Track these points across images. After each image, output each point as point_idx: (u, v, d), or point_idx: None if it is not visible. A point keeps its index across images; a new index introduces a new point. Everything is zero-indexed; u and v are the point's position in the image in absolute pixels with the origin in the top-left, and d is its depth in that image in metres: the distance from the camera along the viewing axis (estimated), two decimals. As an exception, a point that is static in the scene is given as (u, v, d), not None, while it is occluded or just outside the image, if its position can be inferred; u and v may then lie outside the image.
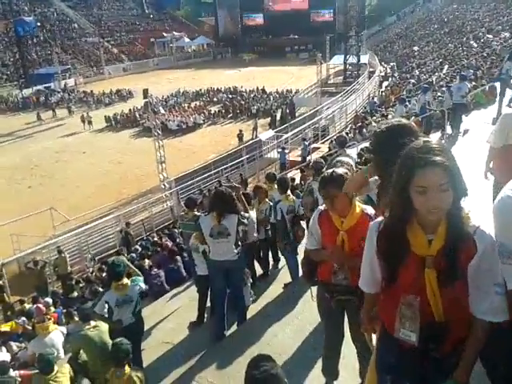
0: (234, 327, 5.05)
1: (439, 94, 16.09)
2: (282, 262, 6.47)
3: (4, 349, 7.14)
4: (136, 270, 5.09)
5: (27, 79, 41.45)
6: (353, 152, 11.04)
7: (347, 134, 18.18)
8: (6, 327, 8.38)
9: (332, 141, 18.12)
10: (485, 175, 3.90)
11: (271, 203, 6.03)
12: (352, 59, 35.81)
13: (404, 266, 1.73)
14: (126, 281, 4.54)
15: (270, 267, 6.55)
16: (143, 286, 4.71)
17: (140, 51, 57.89)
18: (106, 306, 4.51)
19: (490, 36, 28.65)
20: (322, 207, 2.89)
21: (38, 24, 51.20)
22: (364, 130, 17.34)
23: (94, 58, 52.01)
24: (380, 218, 1.90)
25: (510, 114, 3.72)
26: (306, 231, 5.41)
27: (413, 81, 25.30)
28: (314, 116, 23.54)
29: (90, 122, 29.01)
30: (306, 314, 4.63)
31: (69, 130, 28.78)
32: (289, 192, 5.75)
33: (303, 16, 56.92)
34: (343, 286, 2.85)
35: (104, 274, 9.96)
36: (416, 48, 40.29)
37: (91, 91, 38.81)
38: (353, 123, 21.84)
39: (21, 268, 12.48)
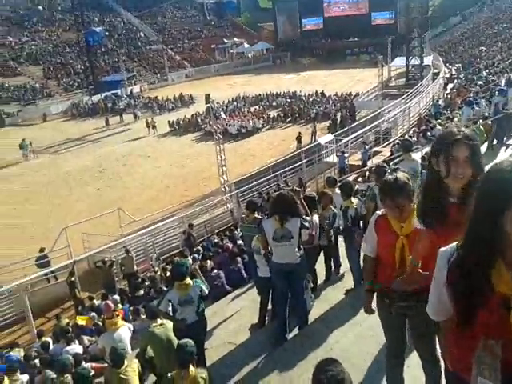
0: (295, 331, 5.06)
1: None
2: (344, 267, 6.43)
3: (77, 341, 7.57)
4: (202, 277, 5.24)
5: (96, 86, 43.71)
6: (417, 156, 10.72)
7: (410, 137, 17.71)
8: (81, 321, 8.87)
9: (394, 144, 17.69)
10: None
11: (334, 209, 6.04)
12: (415, 61, 34.83)
13: (484, 306, 1.49)
14: (188, 281, 4.70)
15: (332, 273, 6.54)
16: (206, 290, 4.79)
17: (201, 58, 59.34)
18: (170, 304, 4.70)
19: None
20: (379, 212, 2.87)
21: (107, 33, 53.99)
22: (428, 133, 16.77)
23: (158, 65, 53.94)
24: (451, 245, 1.64)
25: None
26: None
27: (480, 82, 24.18)
28: (376, 119, 23.07)
29: (154, 127, 30.09)
30: (370, 320, 4.57)
31: (135, 134, 30.03)
32: (352, 197, 5.76)
33: (363, 19, 56.05)
34: (403, 292, 2.72)
35: (168, 274, 10.32)
36: (483, 48, 38.50)
37: (155, 97, 40.26)
38: (416, 126, 21.20)
39: (90, 266, 13.16)
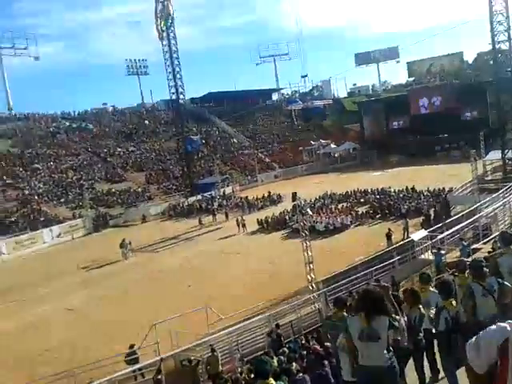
0: None
1: None
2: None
3: None
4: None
5: (192, 189, 46.82)
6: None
7: (513, 232, 16.40)
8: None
9: (495, 241, 16.42)
10: None
11: (423, 309, 5.60)
12: (511, 154, 33.33)
13: None
14: (272, 381, 4.46)
15: (428, 379, 5.86)
16: None
17: (289, 159, 61.81)
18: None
19: None
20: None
21: (203, 141, 58.80)
22: (534, 228, 15.45)
23: (249, 167, 56.92)
24: None
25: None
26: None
27: None
28: (473, 214, 21.84)
29: (243, 225, 30.98)
30: None
31: (225, 232, 31.06)
32: (452, 298, 5.33)
33: (452, 114, 55.64)
34: None
35: (253, 375, 9.91)
36: None
37: (246, 197, 41.98)
38: (519, 221, 19.68)
39: (177, 364, 13.09)
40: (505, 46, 33.31)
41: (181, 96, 48.71)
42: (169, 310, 16.98)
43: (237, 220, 31.72)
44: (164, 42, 47.05)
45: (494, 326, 2.04)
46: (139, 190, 47.86)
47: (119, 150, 56.54)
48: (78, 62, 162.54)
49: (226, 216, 35.53)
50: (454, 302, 5.34)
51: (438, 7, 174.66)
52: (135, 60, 75.56)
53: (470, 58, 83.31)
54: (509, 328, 1.98)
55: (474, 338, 2.12)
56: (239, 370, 11.76)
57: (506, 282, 5.21)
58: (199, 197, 44.24)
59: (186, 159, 49.40)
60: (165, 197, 47.33)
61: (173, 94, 48.31)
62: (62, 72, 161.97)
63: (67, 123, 60.81)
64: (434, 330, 5.47)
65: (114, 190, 46.54)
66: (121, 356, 13.35)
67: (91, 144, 56.44)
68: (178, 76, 47.49)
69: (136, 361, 13.01)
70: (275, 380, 4.55)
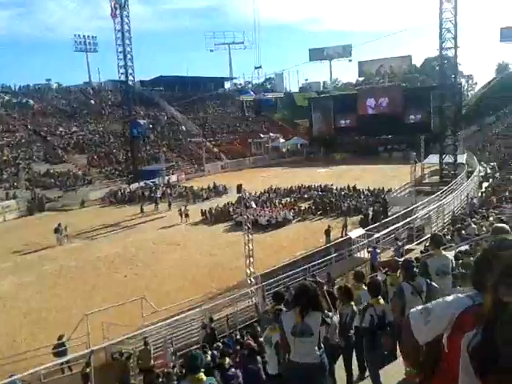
0: None
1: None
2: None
3: None
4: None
5: (135, 175, 45.62)
6: (450, 254, 10.28)
7: (444, 235, 17.17)
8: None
9: (428, 241, 17.15)
10: None
11: (355, 307, 5.71)
12: (448, 159, 34.94)
13: None
14: (202, 376, 4.35)
15: (355, 377, 5.98)
16: None
17: (238, 151, 61.72)
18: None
19: None
20: (468, 299, 1.88)
21: (151, 126, 57.42)
22: (463, 231, 16.27)
23: (197, 156, 56.27)
24: None
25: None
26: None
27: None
28: (408, 215, 22.70)
29: (186, 215, 30.58)
30: None
31: (167, 222, 30.51)
32: (380, 296, 5.47)
33: (397, 117, 57.67)
34: None
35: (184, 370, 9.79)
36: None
37: (191, 186, 41.48)
38: (451, 224, 20.66)
39: (107, 357, 12.69)
40: (451, 53, 34.71)
41: (130, 77, 47.25)
42: (103, 300, 16.51)
43: (180, 210, 31.27)
44: (116, 20, 45.29)
45: (450, 297, 1.94)
46: (79, 173, 46.07)
47: (61, 129, 54.18)
48: (23, 33, 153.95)
49: (169, 205, 34.94)
50: (381, 301, 5.47)
51: (391, 10, 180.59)
52: (84, 36, 72.50)
53: (418, 62, 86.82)
54: (460, 301, 1.87)
55: (422, 307, 2.04)
56: (172, 364, 11.59)
57: (433, 283, 5.41)
58: (142, 184, 43.21)
59: (131, 144, 48.03)
60: (106, 182, 45.91)
61: (122, 74, 46.70)
62: (4, 43, 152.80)
63: (6, 97, 57.58)
64: (356, 325, 5.59)
65: (52, 171, 44.49)
66: (49, 347, 12.78)
67: (31, 121, 53.66)
68: (128, 56, 45.95)
69: (64, 353, 12.49)
70: (206, 375, 4.43)
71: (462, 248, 11.73)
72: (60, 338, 12.83)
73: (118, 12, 44.92)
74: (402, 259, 7.45)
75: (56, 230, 26.86)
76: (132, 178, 45.14)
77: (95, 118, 59.32)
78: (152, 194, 39.32)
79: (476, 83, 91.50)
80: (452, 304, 1.89)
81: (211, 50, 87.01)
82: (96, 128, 56.97)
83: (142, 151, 52.73)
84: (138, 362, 11.93)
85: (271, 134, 65.26)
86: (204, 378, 4.35)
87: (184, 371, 6.71)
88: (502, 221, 14.09)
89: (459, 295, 1.93)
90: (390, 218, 23.57)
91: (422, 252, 15.26)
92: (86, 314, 13.31)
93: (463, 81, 77.79)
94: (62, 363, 11.94)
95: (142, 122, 51.59)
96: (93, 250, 25.08)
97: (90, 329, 12.94)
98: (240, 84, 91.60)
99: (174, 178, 47.70)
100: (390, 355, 6.42)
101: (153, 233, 28.20)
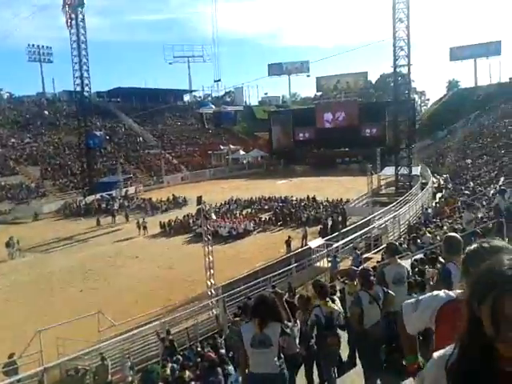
0: None
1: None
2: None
3: None
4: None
5: (91, 187, 44.52)
6: (406, 263, 10.55)
7: (400, 244, 17.62)
8: None
9: (384, 251, 17.54)
10: None
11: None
12: (403, 170, 36.08)
13: None
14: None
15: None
16: None
17: (198, 162, 61.39)
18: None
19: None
20: (452, 294, 2.11)
21: (107, 137, 56.28)
22: (418, 240, 16.74)
23: (155, 168, 55.55)
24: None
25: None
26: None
27: (467, 192, 24.82)
28: (366, 225, 23.19)
29: (145, 228, 30.00)
30: None
31: (125, 235, 29.83)
32: (328, 299, 5.63)
33: (354, 130, 59.15)
34: None
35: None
36: (469, 161, 40.30)
37: (149, 198, 40.81)
38: (406, 233, 21.25)
39: (62, 374, 12.19)
40: (405, 70, 36.06)
41: (86, 88, 46.48)
42: (58, 316, 15.80)
43: (137, 222, 30.64)
44: (72, 31, 44.47)
45: (437, 292, 2.17)
46: (32, 185, 44.49)
47: (13, 140, 52.30)
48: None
49: (127, 217, 34.20)
50: (330, 303, 5.67)
51: (348, 27, 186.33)
52: (38, 46, 70.64)
53: (373, 78, 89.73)
54: (444, 296, 2.12)
55: (412, 300, 2.31)
56: (130, 379, 11.24)
57: (390, 291, 5.54)
58: (98, 196, 42.18)
59: (87, 155, 46.97)
60: (60, 194, 44.62)
61: (77, 85, 45.89)
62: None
63: (-46, 106, 55.18)
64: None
65: (3, 183, 42.76)
66: (-2, 367, 12.12)
67: (-19, 132, 51.53)
68: (84, 67, 45.22)
69: (15, 372, 11.90)
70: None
71: (418, 256, 12.06)
72: (11, 356, 12.23)
73: (73, 22, 44.13)
74: (360, 268, 7.60)
75: (7, 244, 25.78)
76: (88, 190, 44.06)
77: (49, 130, 57.64)
78: (109, 207, 38.39)
79: (429, 99, 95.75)
80: (436, 298, 2.14)
81: (170, 63, 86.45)
82: (50, 139, 55.32)
83: (99, 163, 51.57)
84: (95, 377, 11.51)
85: (231, 146, 65.43)
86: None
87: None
88: (454, 230, 14.63)
89: (446, 291, 2.18)
90: (349, 228, 24.01)
91: (378, 261, 15.57)
92: (38, 330, 12.75)
93: (416, 97, 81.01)
94: (12, 382, 11.37)
95: (98, 133, 50.56)
96: (46, 264, 24.14)
97: (44, 345, 12.41)
98: (200, 97, 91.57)
99: (131, 190, 46.79)
100: (350, 362, 6.50)
101: (110, 246, 27.47)
